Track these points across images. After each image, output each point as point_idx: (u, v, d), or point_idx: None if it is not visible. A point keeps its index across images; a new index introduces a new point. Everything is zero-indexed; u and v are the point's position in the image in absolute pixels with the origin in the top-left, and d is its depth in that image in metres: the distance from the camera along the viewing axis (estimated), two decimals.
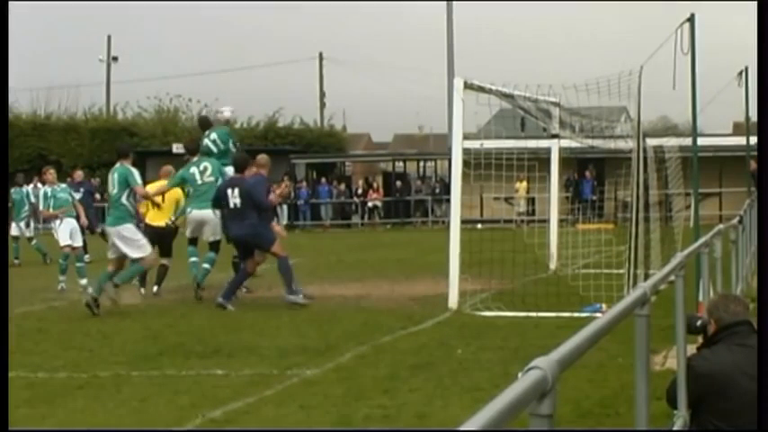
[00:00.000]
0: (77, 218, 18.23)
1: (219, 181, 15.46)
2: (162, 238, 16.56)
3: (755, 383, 5.31)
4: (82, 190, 22.88)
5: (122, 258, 14.73)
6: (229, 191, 14.73)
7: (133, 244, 14.48)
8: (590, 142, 21.06)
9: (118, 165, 14.83)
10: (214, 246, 15.72)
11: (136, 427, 8.07)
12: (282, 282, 14.74)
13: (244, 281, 15.37)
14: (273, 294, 15.91)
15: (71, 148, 48.19)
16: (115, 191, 14.58)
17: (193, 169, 15.64)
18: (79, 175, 24.76)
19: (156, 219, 16.57)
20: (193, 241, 16.09)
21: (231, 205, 14.65)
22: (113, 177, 14.67)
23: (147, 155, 40.68)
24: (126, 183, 14.50)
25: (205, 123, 17.74)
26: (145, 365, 10.41)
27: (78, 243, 17.91)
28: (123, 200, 14.53)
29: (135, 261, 14.59)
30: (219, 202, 14.89)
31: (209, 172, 15.54)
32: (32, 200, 25.33)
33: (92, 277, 17.66)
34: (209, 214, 15.40)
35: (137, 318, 14.00)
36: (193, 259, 15.88)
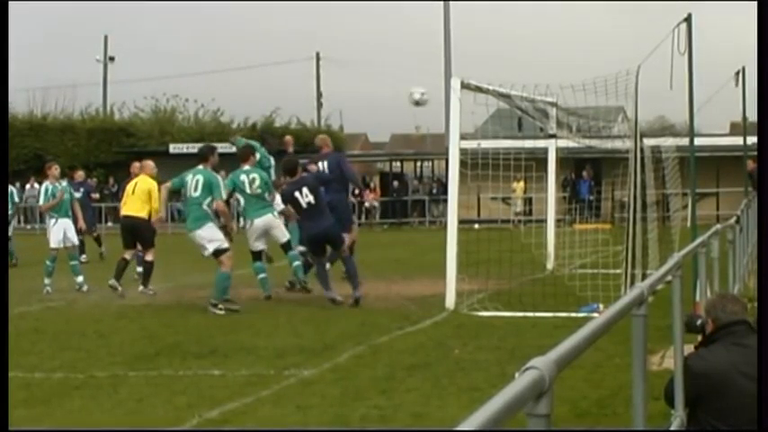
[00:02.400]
0: (75, 220, 18.10)
1: (266, 194, 15.39)
2: (138, 230, 16.68)
3: (753, 383, 5.31)
4: (82, 190, 23.09)
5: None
6: (297, 194, 14.74)
7: (211, 240, 14.53)
8: (587, 142, 21.08)
9: (200, 167, 14.77)
10: (287, 246, 15.54)
11: (133, 428, 8.07)
12: (321, 283, 14.90)
13: (326, 273, 15.30)
14: (272, 294, 15.89)
15: (68, 148, 48.15)
16: (197, 194, 14.53)
17: (243, 177, 15.36)
18: (80, 175, 24.87)
19: (132, 209, 16.69)
20: (258, 256, 15.41)
21: (305, 205, 14.71)
22: (197, 180, 14.58)
23: (144, 155, 40.54)
24: (210, 191, 14.52)
25: (267, 140, 18.08)
26: (142, 366, 10.39)
27: (72, 242, 17.80)
28: (204, 204, 14.58)
29: (215, 256, 14.52)
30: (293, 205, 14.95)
31: (257, 184, 15.29)
32: (16, 200, 25.26)
33: (89, 277, 17.68)
34: (270, 218, 15.31)
35: (133, 318, 14.00)
36: (263, 276, 15.37)
